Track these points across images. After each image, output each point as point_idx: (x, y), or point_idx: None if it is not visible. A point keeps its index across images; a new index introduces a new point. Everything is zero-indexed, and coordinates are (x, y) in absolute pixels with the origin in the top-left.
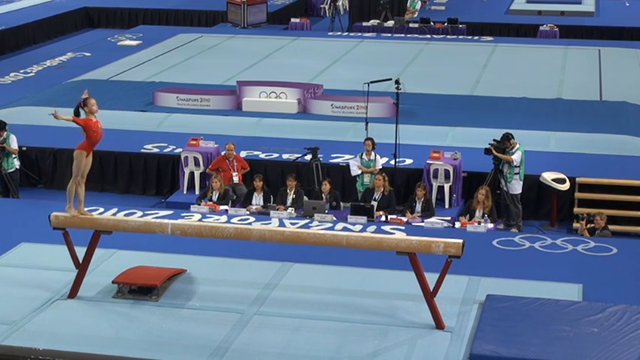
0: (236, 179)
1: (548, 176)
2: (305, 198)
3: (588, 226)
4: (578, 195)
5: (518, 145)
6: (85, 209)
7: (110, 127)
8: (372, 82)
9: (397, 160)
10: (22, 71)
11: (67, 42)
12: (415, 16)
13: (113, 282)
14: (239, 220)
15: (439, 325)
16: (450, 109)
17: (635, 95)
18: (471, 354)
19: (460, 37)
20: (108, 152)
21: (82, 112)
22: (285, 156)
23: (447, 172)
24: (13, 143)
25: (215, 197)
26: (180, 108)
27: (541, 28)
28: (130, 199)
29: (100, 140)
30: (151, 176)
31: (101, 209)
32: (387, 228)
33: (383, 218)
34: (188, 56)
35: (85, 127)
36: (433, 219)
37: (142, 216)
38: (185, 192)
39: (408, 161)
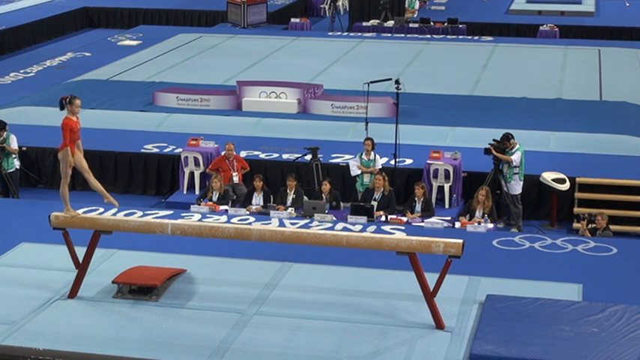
0: (236, 179)
1: (548, 176)
2: (305, 198)
3: (589, 226)
4: (578, 195)
5: (517, 146)
6: (85, 209)
7: (110, 127)
8: (372, 82)
9: (397, 160)
10: (22, 71)
11: (67, 42)
12: (415, 16)
13: (113, 282)
14: (239, 220)
15: (439, 325)
16: (450, 109)
17: (635, 95)
18: (471, 354)
19: (460, 37)
20: (108, 152)
21: (65, 108)
22: (285, 156)
23: (447, 172)
24: (13, 143)
25: (215, 197)
26: (180, 108)
27: (541, 28)
28: (130, 199)
29: (79, 137)
30: (151, 176)
31: (101, 209)
32: (387, 228)
33: (383, 218)
34: (188, 56)
35: (64, 127)
36: (433, 219)
37: (142, 216)
38: (185, 192)
39: (408, 161)
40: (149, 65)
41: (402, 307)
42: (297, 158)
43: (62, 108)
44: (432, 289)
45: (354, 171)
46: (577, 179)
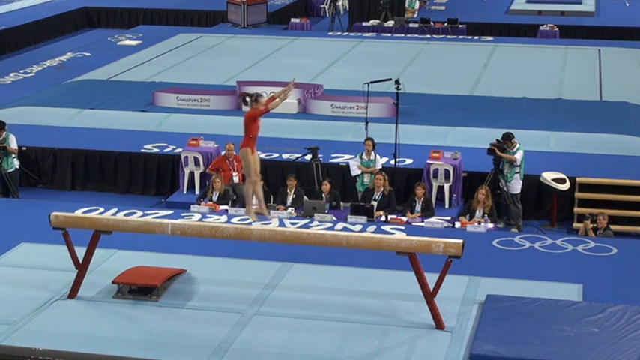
0: (236, 179)
1: (548, 176)
2: (305, 198)
3: (592, 225)
4: (578, 195)
5: (518, 145)
6: (85, 209)
7: (110, 127)
8: (372, 82)
9: (397, 160)
10: (22, 71)
11: (67, 42)
12: (415, 16)
13: (113, 282)
14: (239, 220)
15: (439, 325)
16: (450, 109)
17: (635, 95)
18: (471, 354)
19: (460, 37)
20: (108, 152)
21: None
22: (285, 156)
23: (447, 172)
24: (13, 143)
25: (215, 197)
26: (180, 108)
27: (541, 28)
28: (130, 199)
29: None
30: (150, 176)
31: (101, 209)
32: (387, 228)
33: (383, 218)
34: (188, 56)
35: (248, 119)
36: (433, 219)
37: (142, 216)
38: (185, 192)
39: (408, 161)
40: (149, 65)
41: (402, 307)
42: (297, 158)
43: (246, 104)
44: (432, 289)
45: (355, 171)
46: (577, 179)
